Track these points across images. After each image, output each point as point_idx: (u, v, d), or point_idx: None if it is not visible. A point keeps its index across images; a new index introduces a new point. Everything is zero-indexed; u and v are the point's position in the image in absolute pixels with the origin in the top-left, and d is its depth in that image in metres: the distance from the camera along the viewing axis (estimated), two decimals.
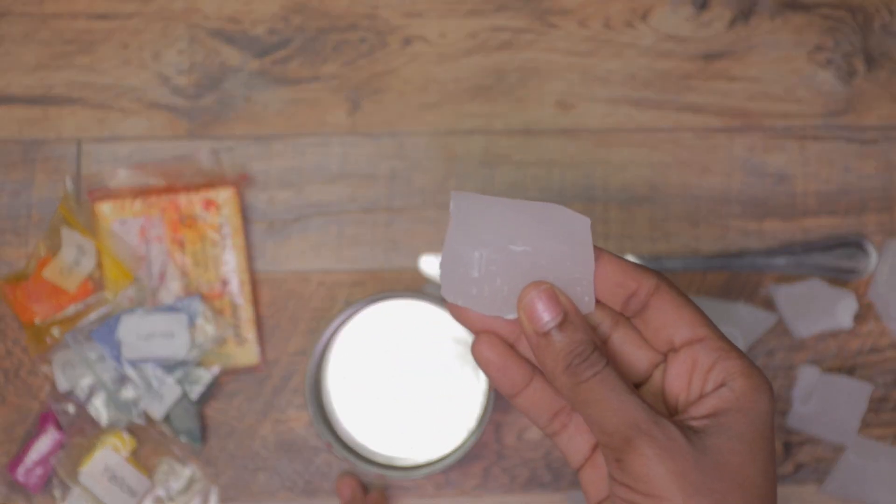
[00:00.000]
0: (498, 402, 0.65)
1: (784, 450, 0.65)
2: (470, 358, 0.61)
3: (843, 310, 0.64)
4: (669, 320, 0.40)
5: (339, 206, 0.66)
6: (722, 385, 0.38)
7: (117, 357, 0.62)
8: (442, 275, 0.40)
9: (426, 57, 0.67)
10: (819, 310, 0.64)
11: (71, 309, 0.63)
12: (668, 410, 0.40)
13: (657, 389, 0.41)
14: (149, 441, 0.64)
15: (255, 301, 0.65)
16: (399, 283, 0.65)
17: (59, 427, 0.63)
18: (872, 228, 0.66)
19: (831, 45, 0.67)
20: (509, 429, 0.65)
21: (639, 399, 0.38)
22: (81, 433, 0.63)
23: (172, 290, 0.63)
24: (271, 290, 0.65)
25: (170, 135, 0.66)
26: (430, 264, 0.65)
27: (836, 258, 0.65)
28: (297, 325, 0.65)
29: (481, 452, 0.65)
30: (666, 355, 0.41)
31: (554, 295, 0.40)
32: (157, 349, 0.62)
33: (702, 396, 0.39)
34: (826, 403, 0.64)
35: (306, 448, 0.65)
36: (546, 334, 0.39)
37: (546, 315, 0.39)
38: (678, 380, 0.40)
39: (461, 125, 0.66)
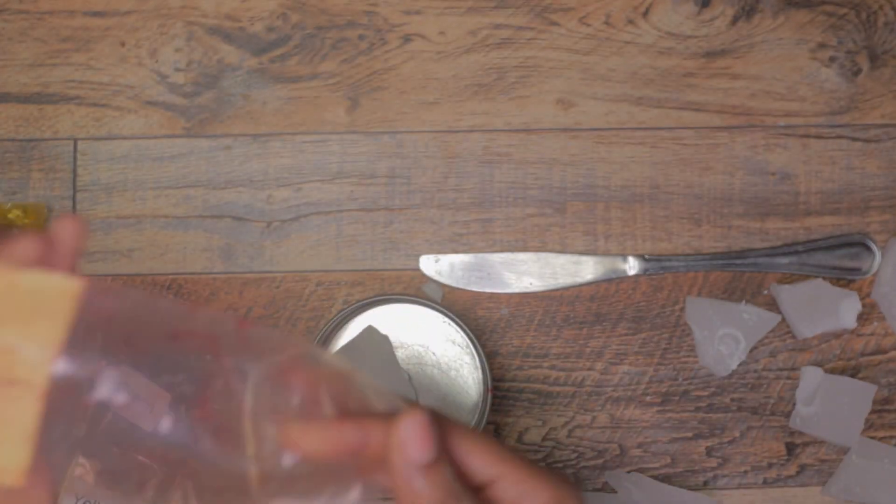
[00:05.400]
0: (497, 404, 0.65)
1: (787, 451, 0.65)
2: (467, 360, 0.61)
3: (846, 310, 0.64)
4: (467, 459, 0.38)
5: (338, 205, 0.65)
6: None
7: None
8: None
9: (425, 55, 0.66)
10: (822, 310, 0.64)
11: None
12: None
13: None
14: None
15: None
16: (398, 282, 0.65)
17: None
18: (876, 227, 0.66)
19: (834, 42, 0.66)
20: (509, 430, 0.65)
21: None
22: None
23: None
24: (269, 289, 0.65)
25: (167, 133, 0.65)
26: (429, 264, 0.65)
27: (840, 258, 0.65)
28: (295, 325, 0.65)
29: None
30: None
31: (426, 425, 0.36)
32: None
33: None
34: (829, 404, 0.63)
35: None
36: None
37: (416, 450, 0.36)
38: None
39: (461, 123, 0.66)
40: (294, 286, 0.65)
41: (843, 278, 0.65)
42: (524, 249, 0.65)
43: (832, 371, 0.65)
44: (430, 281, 0.65)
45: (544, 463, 0.64)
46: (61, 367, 0.34)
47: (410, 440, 0.35)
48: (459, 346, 0.61)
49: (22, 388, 0.34)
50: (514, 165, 0.66)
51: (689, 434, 0.65)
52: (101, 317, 0.35)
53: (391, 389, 0.38)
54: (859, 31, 0.66)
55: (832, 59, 0.66)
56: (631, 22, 0.66)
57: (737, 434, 0.65)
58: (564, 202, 0.66)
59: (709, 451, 0.65)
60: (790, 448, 0.65)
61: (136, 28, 0.66)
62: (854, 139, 0.66)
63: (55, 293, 0.35)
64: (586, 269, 0.65)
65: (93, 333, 0.35)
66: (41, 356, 0.34)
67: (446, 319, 0.60)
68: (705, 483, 0.65)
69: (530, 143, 0.66)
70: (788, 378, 0.65)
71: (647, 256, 0.65)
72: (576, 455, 0.65)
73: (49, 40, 0.66)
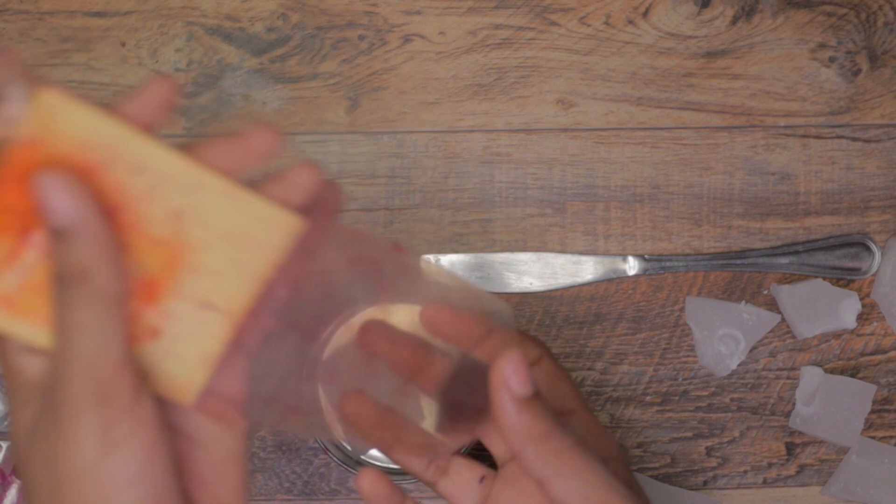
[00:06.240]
0: None
1: (787, 451, 0.65)
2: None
3: (846, 310, 0.64)
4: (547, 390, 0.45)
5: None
6: None
7: None
8: None
9: (425, 55, 0.66)
10: (822, 310, 0.64)
11: None
12: None
13: None
14: None
15: None
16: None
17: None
18: (875, 227, 0.66)
19: (834, 42, 0.66)
20: None
21: None
22: None
23: None
24: None
25: (168, 133, 0.65)
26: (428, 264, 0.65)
27: (839, 258, 0.65)
28: None
29: (482, 453, 0.65)
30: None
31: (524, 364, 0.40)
32: None
33: None
34: (829, 405, 0.63)
35: (304, 449, 0.65)
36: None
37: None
38: None
39: (461, 123, 0.66)
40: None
41: (843, 278, 0.65)
42: (524, 249, 0.65)
43: (832, 371, 0.65)
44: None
45: None
46: (258, 305, 0.33)
47: (513, 375, 0.39)
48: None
49: (217, 314, 0.33)
50: (514, 165, 0.66)
51: (689, 434, 0.65)
52: (307, 257, 0.35)
53: None
54: (859, 31, 0.66)
55: (832, 60, 0.66)
56: (631, 22, 0.66)
57: (737, 434, 0.65)
58: (564, 202, 0.66)
59: (709, 451, 0.65)
60: (790, 448, 0.65)
61: (137, 28, 0.66)
62: (854, 139, 0.66)
63: (276, 228, 0.34)
64: (586, 269, 0.65)
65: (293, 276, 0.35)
66: (244, 288, 0.33)
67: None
68: (705, 483, 0.65)
69: (530, 143, 0.66)
70: (788, 378, 0.65)
71: (647, 256, 0.65)
72: None
73: (49, 40, 0.66)
